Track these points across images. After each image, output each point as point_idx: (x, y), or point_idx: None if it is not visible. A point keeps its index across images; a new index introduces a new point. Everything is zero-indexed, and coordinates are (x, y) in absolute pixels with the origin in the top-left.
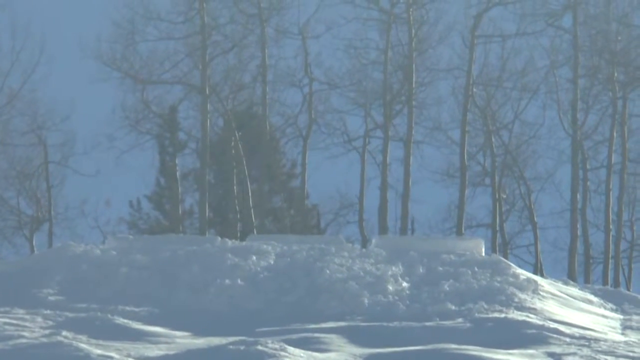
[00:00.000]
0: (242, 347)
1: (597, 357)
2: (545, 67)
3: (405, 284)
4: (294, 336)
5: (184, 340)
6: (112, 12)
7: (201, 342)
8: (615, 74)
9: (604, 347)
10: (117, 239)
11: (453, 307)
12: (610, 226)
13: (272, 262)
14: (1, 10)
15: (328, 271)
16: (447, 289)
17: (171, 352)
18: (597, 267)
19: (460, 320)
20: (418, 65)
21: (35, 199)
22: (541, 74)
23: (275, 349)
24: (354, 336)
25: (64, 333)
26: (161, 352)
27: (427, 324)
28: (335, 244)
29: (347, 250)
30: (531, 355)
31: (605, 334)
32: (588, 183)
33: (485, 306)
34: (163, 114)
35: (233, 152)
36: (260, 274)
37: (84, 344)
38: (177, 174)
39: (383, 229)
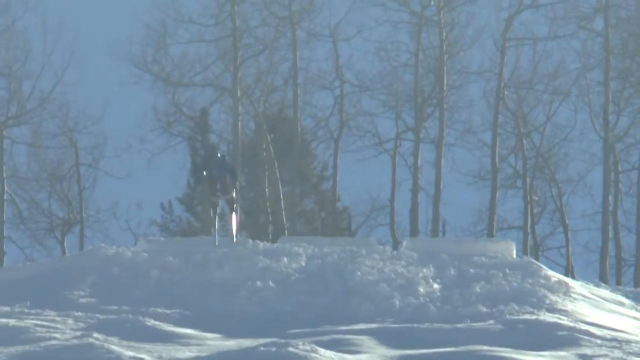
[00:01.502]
0: (273, 349)
1: (628, 358)
2: (577, 70)
3: (436, 286)
4: (325, 338)
5: (215, 342)
6: (143, 14)
7: (232, 344)
8: None
9: (636, 349)
10: (149, 241)
11: (484, 309)
12: None
13: (303, 264)
14: (32, 12)
15: (359, 273)
16: (479, 290)
17: (202, 354)
18: (629, 269)
19: (491, 322)
20: (449, 67)
21: (66, 201)
22: (572, 77)
23: (307, 351)
24: (385, 338)
25: (95, 335)
26: (192, 354)
27: (458, 325)
28: (367, 246)
29: (378, 253)
30: (562, 357)
31: (637, 335)
32: (620, 185)
33: (517, 308)
34: (194, 117)
35: (264, 154)
36: (291, 276)
37: (115, 346)
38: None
39: (414, 231)
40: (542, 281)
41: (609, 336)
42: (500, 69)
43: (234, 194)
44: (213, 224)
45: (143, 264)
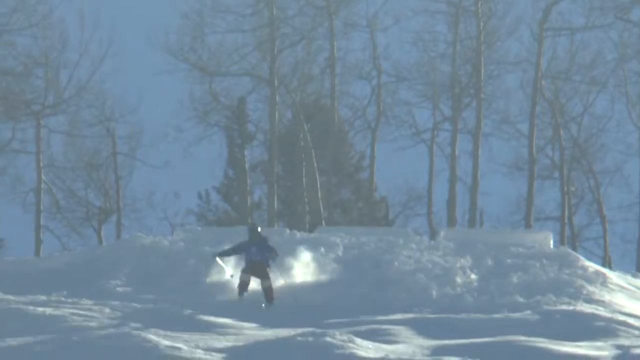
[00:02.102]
0: (310, 339)
1: None
2: (614, 60)
3: (473, 276)
4: (362, 328)
5: (252, 331)
6: (180, 3)
7: (269, 333)
8: None
9: None
10: (185, 230)
11: (521, 299)
12: None
13: (340, 254)
14: (69, 1)
15: (396, 263)
16: (516, 281)
17: (239, 344)
18: None
19: (528, 312)
20: (486, 57)
21: (103, 190)
22: (610, 67)
23: (344, 341)
24: (422, 328)
25: (132, 324)
26: (229, 344)
27: (495, 316)
28: (404, 236)
29: (415, 243)
30: (599, 348)
31: None
32: None
33: (554, 298)
34: (231, 106)
35: (302, 144)
36: (328, 265)
37: (152, 335)
38: (246, 165)
39: (451, 221)
40: (580, 272)
41: None
42: (538, 59)
43: (269, 283)
44: (239, 297)
45: (180, 254)
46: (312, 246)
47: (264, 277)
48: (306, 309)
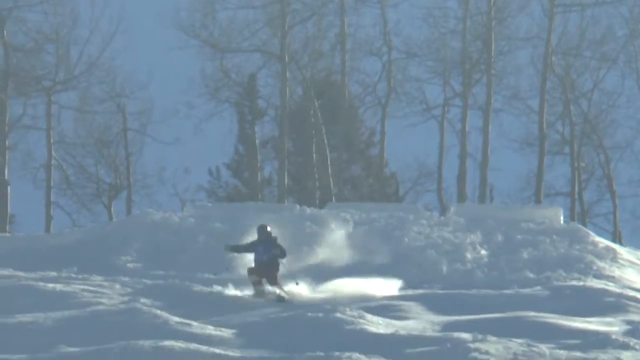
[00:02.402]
0: (320, 315)
1: None
2: (625, 36)
3: (483, 252)
4: (372, 304)
5: (262, 307)
6: None
7: (280, 309)
8: None
9: None
10: (196, 206)
11: (531, 275)
12: None
13: (351, 230)
14: None
15: (407, 239)
16: (526, 257)
17: (249, 319)
18: None
19: (538, 288)
20: (497, 33)
21: (114, 166)
22: (620, 43)
23: (354, 317)
24: (432, 304)
25: (142, 300)
26: (240, 319)
27: (506, 291)
28: (414, 212)
29: (425, 219)
30: (609, 323)
31: None
32: None
33: (564, 274)
34: (242, 82)
35: (312, 120)
36: (339, 242)
37: (163, 311)
38: (256, 141)
39: (462, 197)
40: (590, 247)
41: None
42: (548, 35)
43: (277, 289)
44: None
45: (190, 230)
46: (322, 222)
47: (272, 282)
48: (317, 284)
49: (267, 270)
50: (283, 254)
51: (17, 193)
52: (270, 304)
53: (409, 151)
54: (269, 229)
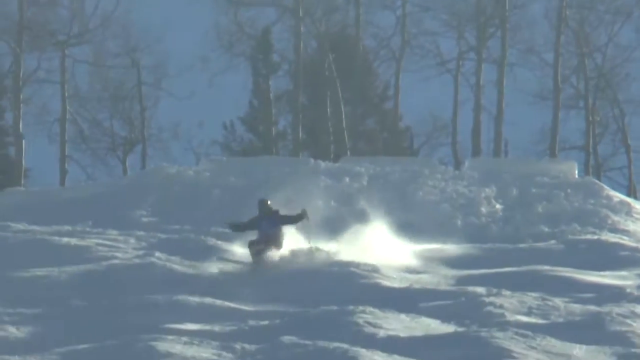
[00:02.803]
0: (335, 269)
1: None
2: None
3: (498, 206)
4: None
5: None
6: None
7: (294, 264)
8: None
9: None
10: (210, 160)
11: (546, 229)
12: None
13: (365, 184)
14: None
15: (421, 193)
16: (541, 211)
17: (265, 274)
18: None
19: (553, 242)
20: None
21: (128, 120)
22: None
23: (368, 270)
24: (446, 258)
25: (157, 254)
26: (255, 273)
27: (520, 245)
28: (429, 166)
29: (440, 172)
30: (623, 277)
31: None
32: None
33: (579, 228)
34: (256, 36)
35: (326, 74)
36: (353, 195)
37: (177, 265)
38: (271, 95)
39: (476, 151)
40: (604, 201)
41: None
42: None
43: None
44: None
45: (205, 184)
46: (337, 176)
47: (279, 247)
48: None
49: (273, 239)
50: (296, 220)
51: (32, 147)
52: (274, 268)
53: (423, 105)
54: (269, 202)
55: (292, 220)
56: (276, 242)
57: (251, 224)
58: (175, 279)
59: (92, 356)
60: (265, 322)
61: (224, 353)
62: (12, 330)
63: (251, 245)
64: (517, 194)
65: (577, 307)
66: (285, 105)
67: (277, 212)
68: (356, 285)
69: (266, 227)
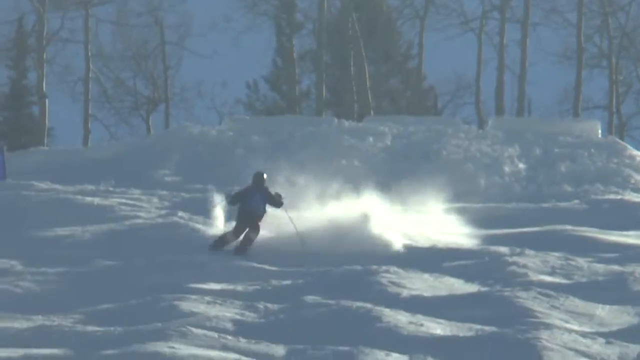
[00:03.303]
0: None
1: None
2: None
3: (521, 166)
4: (411, 217)
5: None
6: None
7: (315, 221)
8: None
9: None
10: (234, 120)
11: (569, 189)
12: None
13: (389, 143)
14: None
15: (445, 152)
16: (564, 170)
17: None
18: None
19: (576, 201)
20: None
21: (151, 80)
22: None
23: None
24: (470, 217)
25: (180, 213)
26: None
27: (544, 205)
28: (452, 126)
29: (463, 132)
30: None
31: None
32: None
33: (602, 188)
34: None
35: (350, 33)
36: (377, 155)
37: (200, 225)
38: (294, 55)
39: (499, 111)
40: (627, 161)
41: None
42: None
43: (254, 236)
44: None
45: (228, 143)
46: (360, 135)
47: (253, 228)
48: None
49: (252, 220)
50: (281, 204)
51: (55, 106)
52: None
53: (447, 64)
54: (265, 176)
55: (277, 203)
56: (254, 224)
57: (243, 194)
58: (198, 238)
59: (116, 315)
60: (289, 282)
61: (247, 312)
62: (36, 290)
63: (234, 229)
64: (541, 154)
65: (600, 267)
66: (308, 65)
67: (267, 188)
68: (377, 242)
69: (259, 201)
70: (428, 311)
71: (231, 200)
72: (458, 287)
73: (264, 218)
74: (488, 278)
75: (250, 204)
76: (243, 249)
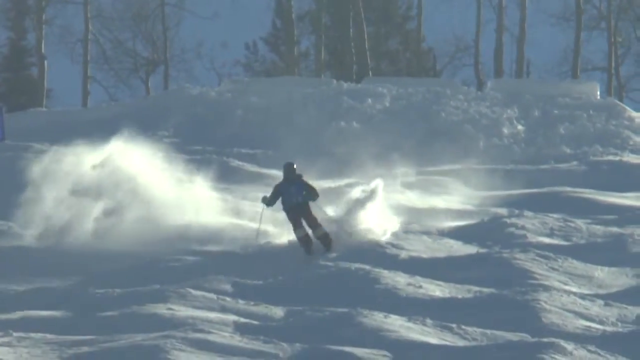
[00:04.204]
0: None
1: None
2: None
3: (520, 127)
4: (411, 178)
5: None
6: None
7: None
8: None
9: None
10: (233, 81)
11: (568, 150)
12: None
13: (387, 105)
14: None
15: (444, 114)
16: (563, 132)
17: None
18: None
19: (575, 163)
20: None
21: (151, 41)
22: None
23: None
24: (469, 179)
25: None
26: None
27: (543, 166)
28: (451, 87)
29: (462, 93)
30: None
31: None
32: None
33: (600, 149)
34: None
35: None
36: (375, 116)
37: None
38: (293, 15)
39: (498, 72)
40: (626, 122)
41: None
42: None
43: (323, 231)
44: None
45: (227, 104)
46: (359, 97)
47: (313, 225)
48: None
49: (303, 212)
50: (317, 196)
51: (54, 67)
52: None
53: (446, 25)
54: (295, 166)
55: (314, 195)
56: (309, 217)
57: (278, 192)
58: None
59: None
60: (285, 242)
61: (248, 276)
62: (34, 251)
63: (296, 229)
64: (539, 115)
65: (598, 229)
66: (307, 26)
67: (300, 176)
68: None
69: (296, 193)
70: (427, 273)
71: (268, 202)
72: (457, 248)
73: (310, 204)
74: (487, 240)
75: (289, 201)
76: (328, 245)
